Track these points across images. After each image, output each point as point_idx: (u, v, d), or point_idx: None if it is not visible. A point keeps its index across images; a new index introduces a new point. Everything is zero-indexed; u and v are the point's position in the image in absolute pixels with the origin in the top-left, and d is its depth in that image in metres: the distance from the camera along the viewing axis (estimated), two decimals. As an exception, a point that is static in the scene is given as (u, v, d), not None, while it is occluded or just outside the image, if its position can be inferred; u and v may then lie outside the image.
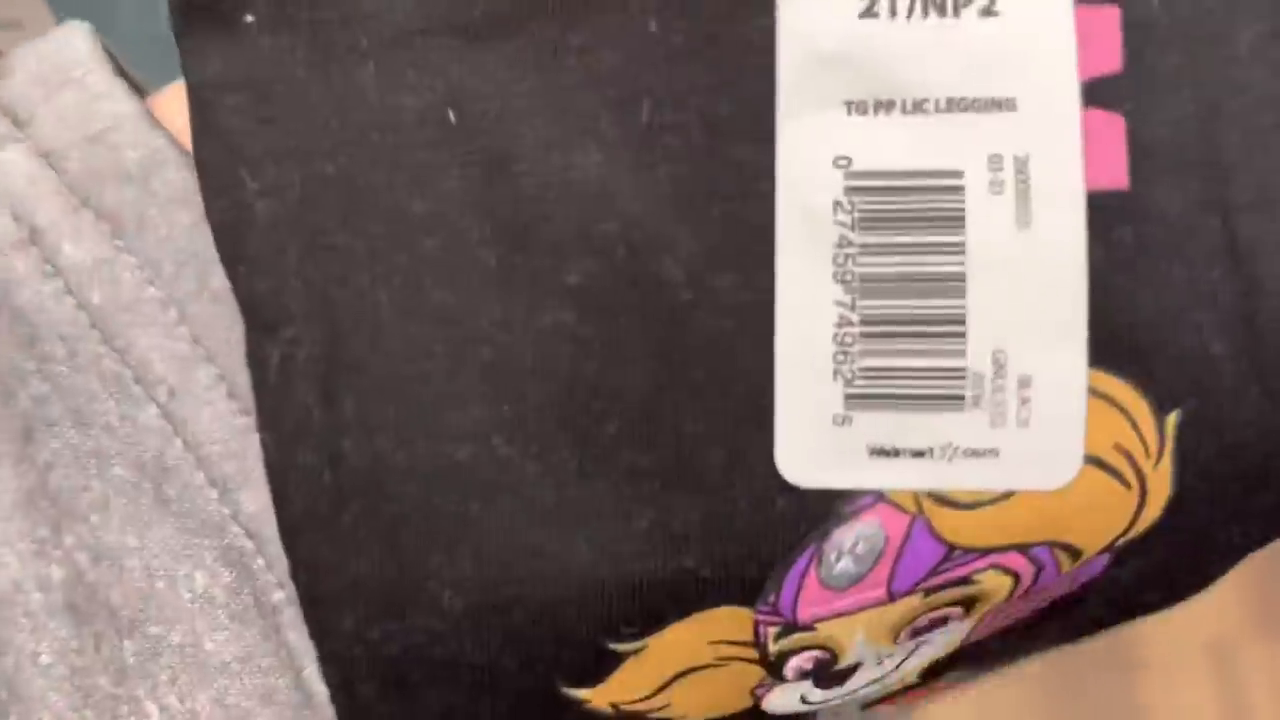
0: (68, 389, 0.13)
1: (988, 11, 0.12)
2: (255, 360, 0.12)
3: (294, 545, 0.12)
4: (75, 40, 0.14)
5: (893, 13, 0.12)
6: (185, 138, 0.14)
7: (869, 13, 0.12)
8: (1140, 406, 0.12)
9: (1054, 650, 0.17)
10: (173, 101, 0.14)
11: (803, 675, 0.13)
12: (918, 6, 0.12)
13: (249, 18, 0.12)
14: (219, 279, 0.13)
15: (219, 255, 0.13)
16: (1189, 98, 0.12)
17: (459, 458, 0.12)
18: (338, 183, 0.12)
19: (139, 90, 0.14)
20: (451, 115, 0.12)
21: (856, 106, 0.12)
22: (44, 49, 0.14)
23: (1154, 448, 0.12)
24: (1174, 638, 0.67)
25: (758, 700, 0.14)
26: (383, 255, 0.12)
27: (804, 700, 0.14)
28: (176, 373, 0.13)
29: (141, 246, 0.13)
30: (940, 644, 0.14)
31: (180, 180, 0.13)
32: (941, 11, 0.12)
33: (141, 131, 0.13)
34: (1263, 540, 0.14)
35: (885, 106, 0.12)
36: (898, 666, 0.14)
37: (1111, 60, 0.12)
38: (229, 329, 0.13)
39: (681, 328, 0.12)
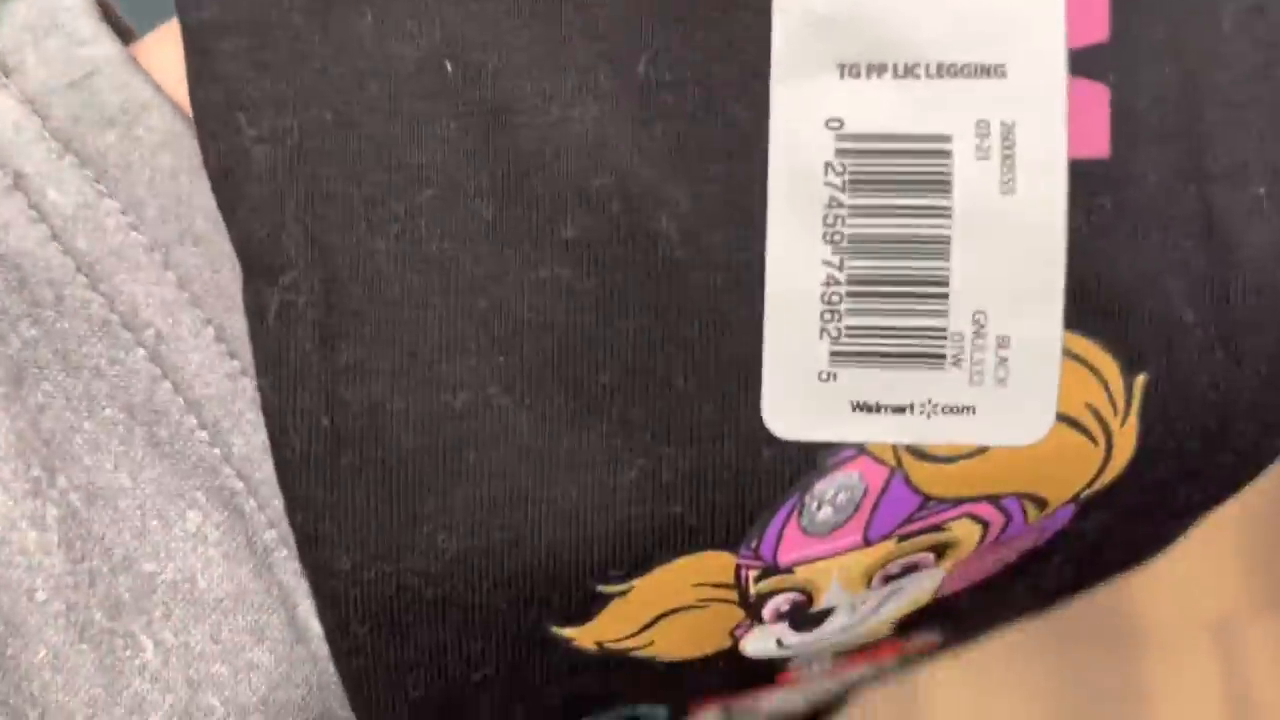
0: (57, 333, 0.13)
1: None
2: (253, 307, 0.12)
3: (291, 488, 0.12)
4: None
5: None
6: (169, 83, 0.13)
7: None
8: (1110, 367, 0.13)
9: (1026, 619, 0.18)
10: (157, 47, 0.14)
11: (780, 617, 0.14)
12: None
13: None
14: (203, 223, 0.13)
15: (216, 201, 0.13)
16: (1172, 70, 0.12)
17: (455, 405, 0.12)
18: (336, 130, 0.12)
19: (127, 36, 0.14)
20: (449, 65, 0.12)
21: (849, 69, 0.12)
22: None
23: (1121, 406, 0.13)
24: (1177, 617, 0.67)
25: (736, 641, 0.14)
26: (380, 204, 0.12)
27: (780, 644, 0.14)
28: (163, 317, 0.13)
29: (125, 191, 0.13)
30: (912, 593, 0.15)
31: (163, 125, 0.13)
32: None
33: (124, 76, 0.13)
34: (1217, 499, 0.15)
35: (877, 70, 0.12)
36: (871, 613, 0.15)
37: (1099, 30, 0.12)
38: (215, 273, 0.13)
39: (675, 283, 0.12)
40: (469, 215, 0.12)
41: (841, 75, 0.12)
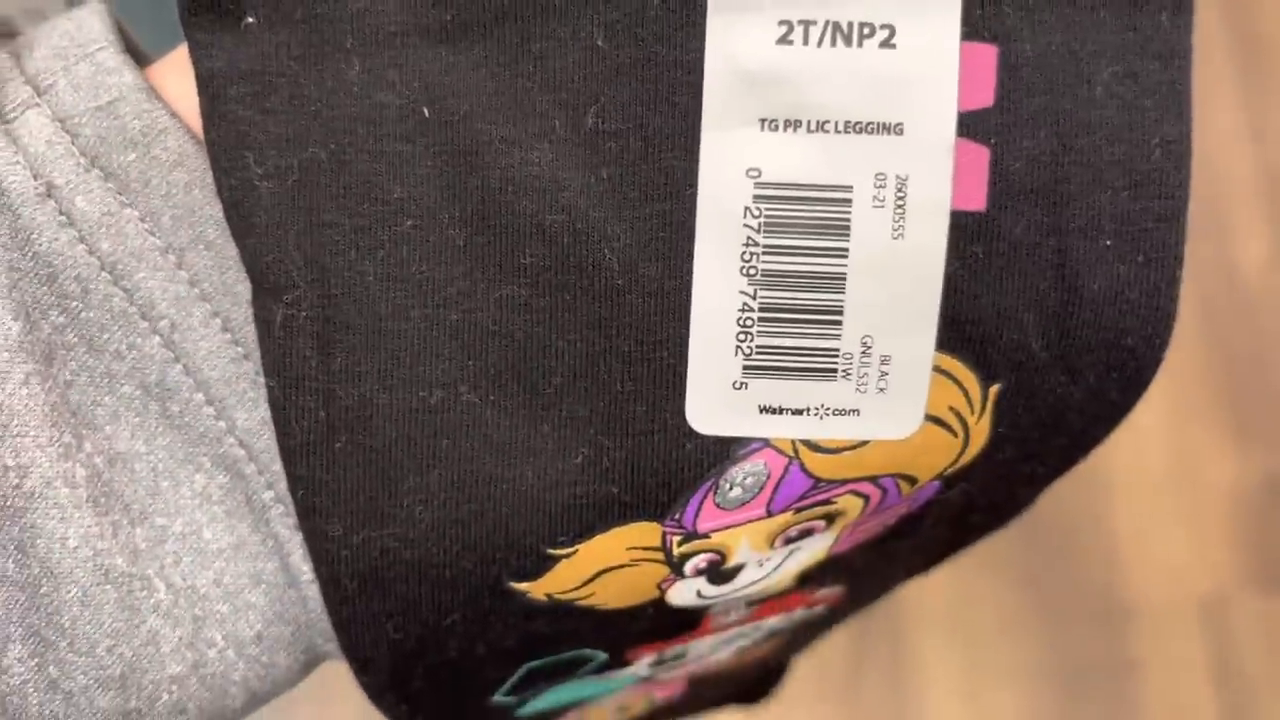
0: (82, 321, 0.15)
1: (887, 44, 0.14)
2: (261, 318, 0.14)
3: (293, 468, 0.15)
4: (92, 20, 0.15)
5: (805, 40, 0.14)
6: (180, 105, 0.15)
7: (785, 40, 0.14)
8: (970, 379, 0.15)
9: (916, 572, 0.21)
10: (172, 75, 0.15)
11: (699, 573, 0.17)
12: (827, 35, 0.14)
13: (249, 19, 0.14)
14: (212, 230, 0.15)
15: (229, 227, 0.14)
16: (1046, 134, 0.14)
17: (431, 401, 0.15)
18: (330, 167, 0.14)
19: (143, 61, 0.16)
20: (426, 111, 0.14)
21: (769, 124, 0.14)
22: (64, 27, 0.15)
23: (978, 408, 0.15)
24: (1166, 592, 0.68)
25: (662, 593, 0.17)
26: (368, 232, 0.14)
27: (699, 595, 0.17)
28: (176, 310, 0.15)
29: (144, 202, 0.15)
30: (809, 552, 0.18)
31: (177, 146, 0.15)
32: (848, 41, 0.14)
33: (145, 103, 0.15)
34: (1058, 472, 0.18)
35: (793, 125, 0.14)
36: (776, 569, 0.18)
37: (985, 95, 0.14)
38: (223, 274, 0.15)
39: (615, 306, 0.14)
40: (443, 242, 0.14)
41: (762, 128, 0.14)
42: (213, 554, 0.16)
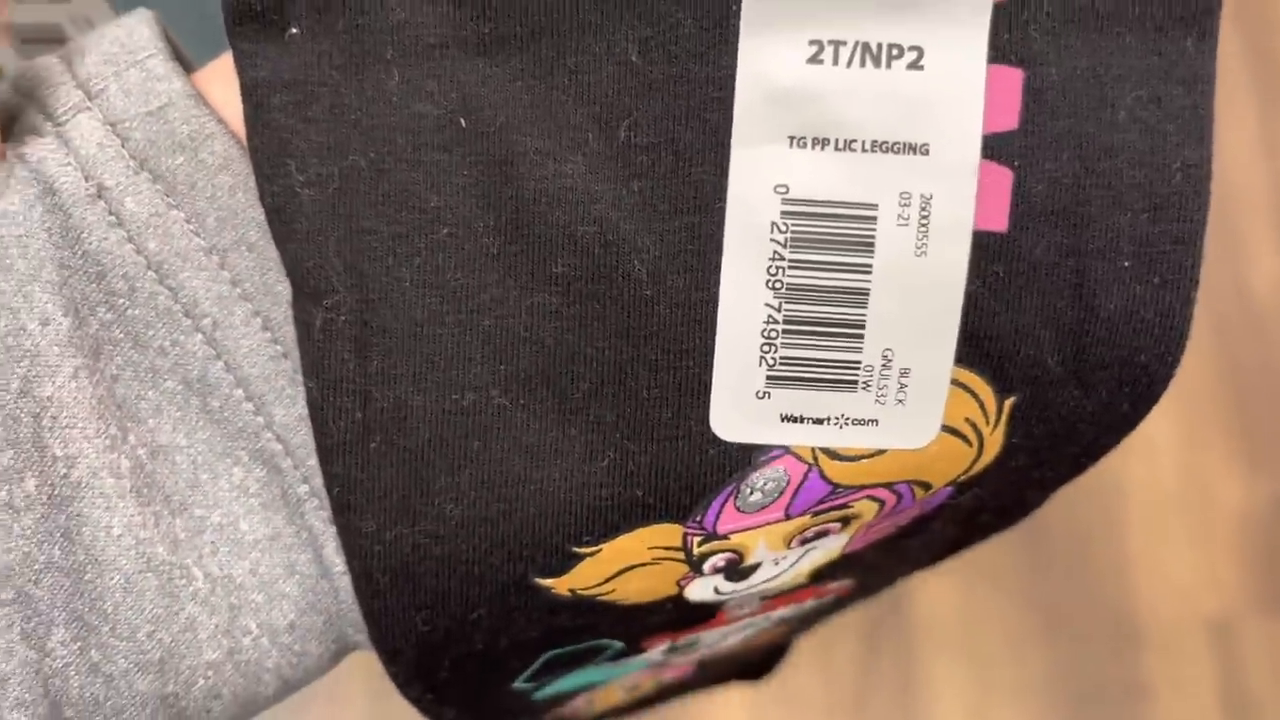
0: (129, 319, 0.16)
1: (915, 65, 0.14)
2: (300, 321, 0.15)
3: (330, 466, 0.15)
4: (141, 27, 0.16)
5: (835, 61, 0.14)
6: (225, 111, 0.16)
7: (815, 59, 0.14)
8: (987, 392, 0.16)
9: (922, 568, 0.22)
10: (218, 81, 0.16)
11: (716, 571, 0.17)
12: (856, 56, 0.14)
13: (293, 29, 0.14)
14: (255, 233, 0.16)
15: (271, 232, 0.15)
16: (1068, 157, 0.14)
17: (463, 404, 0.15)
18: (369, 176, 0.14)
19: (188, 68, 0.16)
20: (463, 121, 0.14)
21: (798, 141, 0.14)
22: (114, 33, 0.16)
23: (993, 419, 0.16)
24: (1175, 613, 0.67)
25: (681, 589, 0.18)
26: (405, 239, 0.15)
27: (716, 591, 0.18)
28: (218, 309, 0.16)
29: (190, 204, 0.15)
30: (824, 551, 0.18)
31: (223, 150, 0.15)
32: (876, 62, 0.14)
33: (192, 109, 0.15)
34: (1068, 478, 0.18)
35: (821, 143, 0.14)
36: (791, 567, 0.18)
37: (1010, 118, 0.14)
38: (264, 275, 0.16)
39: (643, 316, 0.15)
40: (478, 250, 0.15)
41: (790, 145, 0.14)
42: (249, 545, 0.16)
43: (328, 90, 0.14)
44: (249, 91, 0.15)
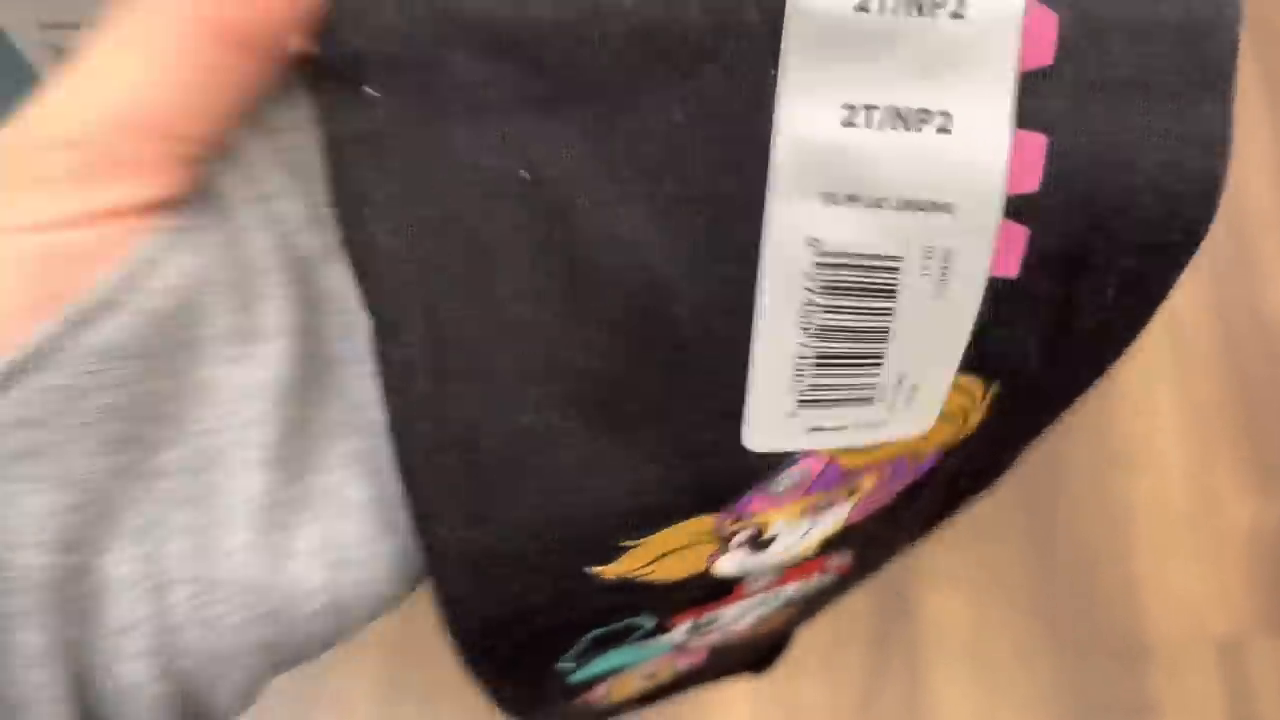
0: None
1: (943, 129, 0.15)
2: (381, 354, 0.16)
3: (410, 478, 0.17)
4: None
5: (868, 124, 0.15)
6: None
7: (848, 122, 0.15)
8: (977, 386, 0.18)
9: (914, 539, 0.24)
10: None
11: (740, 546, 0.20)
12: (887, 119, 0.15)
13: (368, 88, 0.15)
14: None
15: (353, 274, 0.16)
16: (1082, 217, 0.16)
17: (524, 423, 0.17)
18: (440, 224, 0.16)
19: None
20: (524, 174, 0.15)
21: (830, 197, 0.15)
22: None
23: (979, 405, 0.18)
24: (1184, 634, 0.67)
25: (710, 565, 0.20)
26: (475, 282, 0.16)
27: (740, 565, 0.20)
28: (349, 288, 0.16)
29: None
30: (830, 522, 0.20)
31: None
32: (906, 126, 0.15)
33: None
34: (1036, 436, 0.21)
35: (852, 200, 0.15)
36: (803, 537, 0.20)
37: (1032, 181, 0.15)
38: None
39: (685, 353, 0.16)
40: (537, 291, 0.16)
41: (824, 203, 0.15)
42: (355, 506, 0.17)
43: (400, 144, 0.15)
44: (330, 145, 0.15)
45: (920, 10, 0.14)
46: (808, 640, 0.67)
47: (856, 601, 0.69)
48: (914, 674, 0.67)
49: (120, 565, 0.16)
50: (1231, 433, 0.74)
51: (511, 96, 0.15)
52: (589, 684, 0.24)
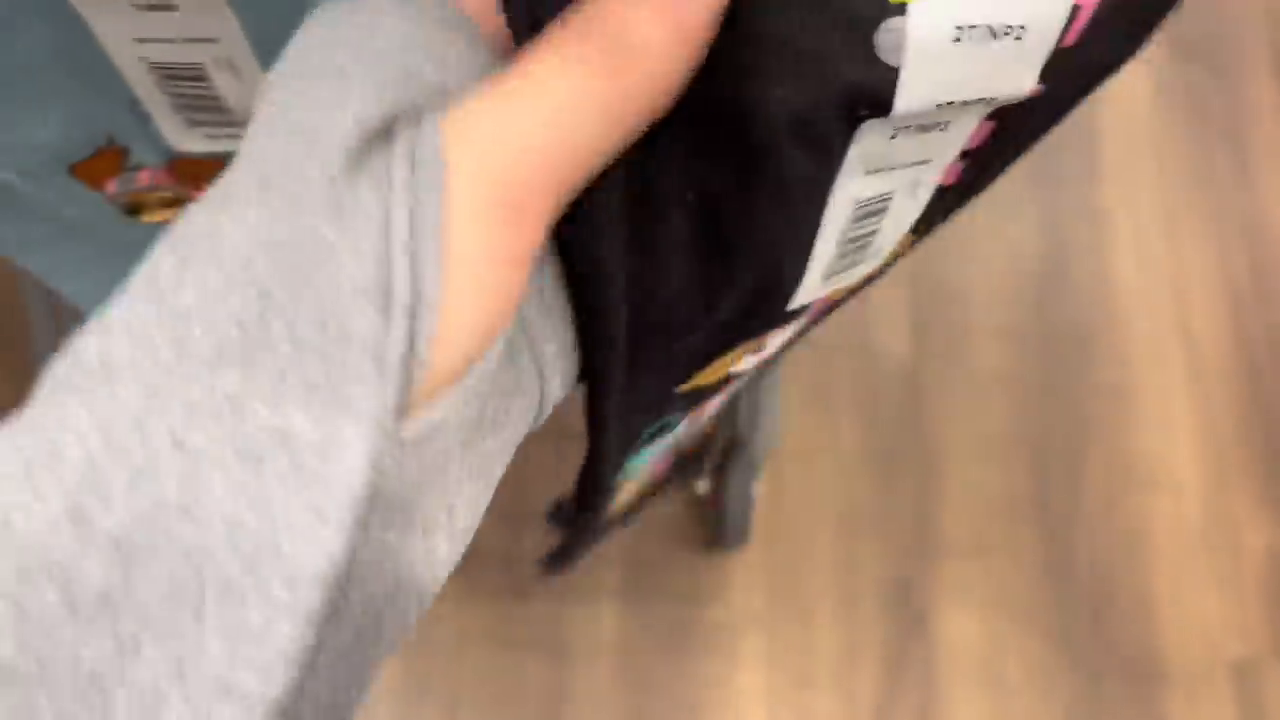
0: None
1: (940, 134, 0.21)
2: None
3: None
4: None
5: (890, 169, 0.19)
6: None
7: (874, 171, 0.19)
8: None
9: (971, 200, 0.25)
10: None
11: (752, 353, 0.24)
12: (905, 165, 0.20)
13: None
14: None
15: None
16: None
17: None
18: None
19: None
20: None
21: (871, 172, 0.19)
22: None
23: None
24: (1199, 657, 0.67)
25: (732, 369, 0.25)
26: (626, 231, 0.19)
27: (749, 365, 0.25)
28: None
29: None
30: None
31: None
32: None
33: None
34: (1016, 157, 0.22)
35: (883, 170, 0.19)
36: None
37: (980, 140, 0.20)
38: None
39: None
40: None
41: (866, 174, 0.19)
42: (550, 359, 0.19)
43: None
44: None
45: None
46: (822, 655, 0.67)
47: (872, 618, 0.70)
48: (928, 693, 0.66)
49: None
50: (1248, 455, 0.74)
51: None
52: (619, 487, 0.29)
